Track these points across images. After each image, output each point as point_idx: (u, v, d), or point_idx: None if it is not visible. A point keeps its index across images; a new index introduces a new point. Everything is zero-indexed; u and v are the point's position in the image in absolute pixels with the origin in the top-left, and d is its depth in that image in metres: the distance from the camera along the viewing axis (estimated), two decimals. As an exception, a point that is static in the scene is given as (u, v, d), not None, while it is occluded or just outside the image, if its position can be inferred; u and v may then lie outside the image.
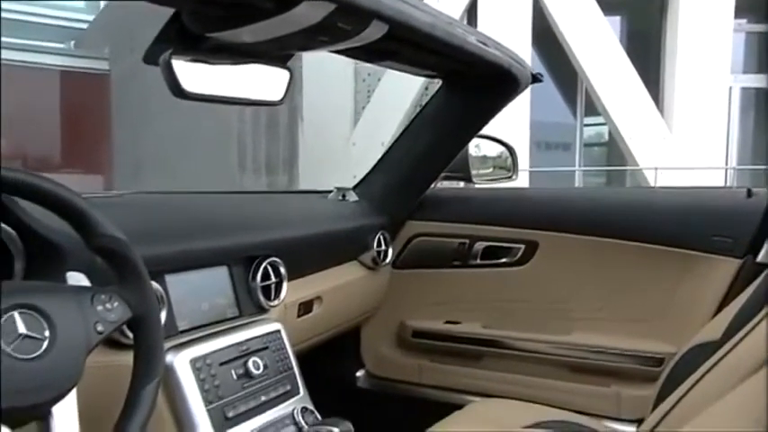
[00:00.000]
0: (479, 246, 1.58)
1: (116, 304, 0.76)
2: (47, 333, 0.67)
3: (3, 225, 0.80)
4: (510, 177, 1.69)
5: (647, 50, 7.55)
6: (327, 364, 1.63)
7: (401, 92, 6.49)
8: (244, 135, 5.79)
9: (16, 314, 0.66)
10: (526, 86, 1.35)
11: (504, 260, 1.56)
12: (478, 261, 1.58)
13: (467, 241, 1.59)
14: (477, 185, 1.69)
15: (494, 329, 1.57)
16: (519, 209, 1.60)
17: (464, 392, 1.58)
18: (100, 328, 0.73)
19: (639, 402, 1.36)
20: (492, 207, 1.63)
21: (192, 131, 5.59)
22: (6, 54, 5.40)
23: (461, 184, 2.00)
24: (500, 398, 1.44)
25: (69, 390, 0.69)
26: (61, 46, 5.98)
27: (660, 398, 1.15)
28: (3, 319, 0.64)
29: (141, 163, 5.72)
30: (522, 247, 1.54)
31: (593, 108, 7.59)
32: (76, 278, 0.80)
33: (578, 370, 1.48)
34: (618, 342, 1.44)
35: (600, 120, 7.66)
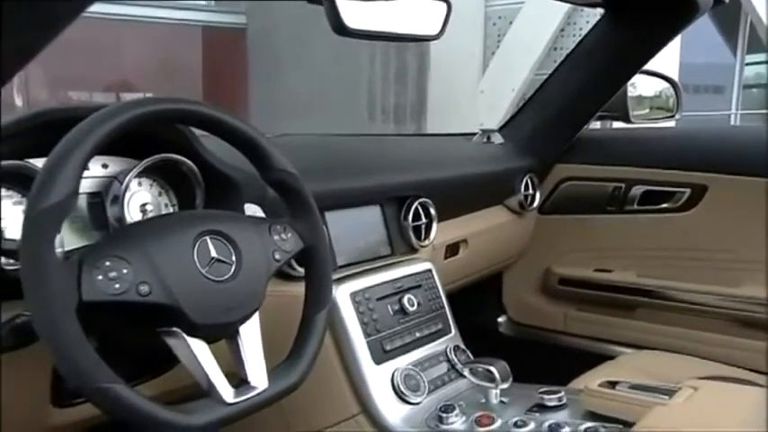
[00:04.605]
0: (637, 190, 1.48)
1: (290, 235, 0.79)
2: (233, 258, 0.72)
3: (185, 160, 0.85)
4: (673, 116, 1.56)
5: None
6: (469, 309, 1.63)
7: (535, 35, 6.12)
8: (373, 84, 5.81)
9: (208, 239, 0.70)
10: (705, 11, 1.21)
11: (665, 205, 1.45)
12: (635, 207, 1.49)
13: (622, 185, 1.49)
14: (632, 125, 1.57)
15: (650, 279, 1.47)
16: (685, 149, 1.47)
17: (615, 343, 1.51)
18: (277, 256, 0.77)
19: None
20: (653, 148, 1.51)
21: (322, 82, 5.70)
22: (153, 12, 5.76)
23: (597, 124, 1.88)
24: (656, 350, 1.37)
25: (254, 311, 0.74)
26: (203, 3, 6.28)
27: None
28: (198, 244, 0.69)
29: (276, 113, 5.94)
30: (688, 191, 1.42)
31: (754, 45, 6.76)
32: (253, 210, 0.84)
33: (748, 325, 1.36)
34: None
35: (761, 57, 6.83)
